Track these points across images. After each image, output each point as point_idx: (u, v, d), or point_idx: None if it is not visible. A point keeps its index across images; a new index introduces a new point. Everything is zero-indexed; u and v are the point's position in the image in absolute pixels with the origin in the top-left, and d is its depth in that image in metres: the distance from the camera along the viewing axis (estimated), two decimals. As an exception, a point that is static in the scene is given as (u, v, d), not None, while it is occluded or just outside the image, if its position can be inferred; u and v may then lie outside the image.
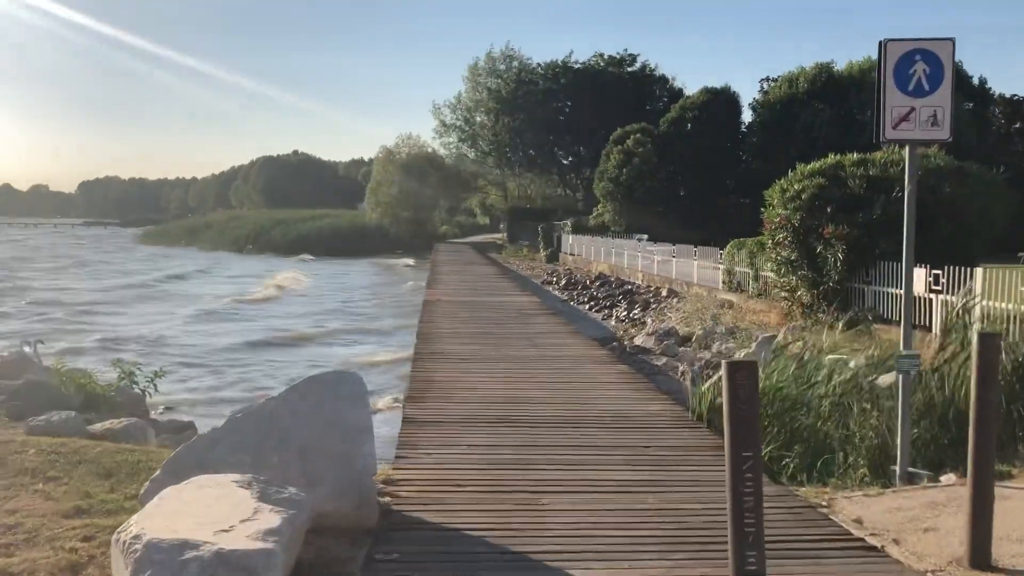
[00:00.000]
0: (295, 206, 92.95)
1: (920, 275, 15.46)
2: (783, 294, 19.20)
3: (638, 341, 18.76)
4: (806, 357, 10.22)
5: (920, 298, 15.29)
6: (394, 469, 6.72)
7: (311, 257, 64.84)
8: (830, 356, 9.73)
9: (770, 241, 19.27)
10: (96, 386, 10.65)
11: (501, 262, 48.87)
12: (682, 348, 17.28)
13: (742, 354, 14.83)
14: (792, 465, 7.25)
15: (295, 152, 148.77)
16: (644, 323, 23.10)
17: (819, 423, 8.00)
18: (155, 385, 12.00)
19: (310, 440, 5.36)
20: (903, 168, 7.11)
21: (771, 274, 20.14)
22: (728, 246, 25.00)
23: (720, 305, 22.57)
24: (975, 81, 46.92)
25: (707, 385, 9.27)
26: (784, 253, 18.41)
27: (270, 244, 72.69)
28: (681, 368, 14.96)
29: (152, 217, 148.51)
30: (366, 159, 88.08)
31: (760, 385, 8.19)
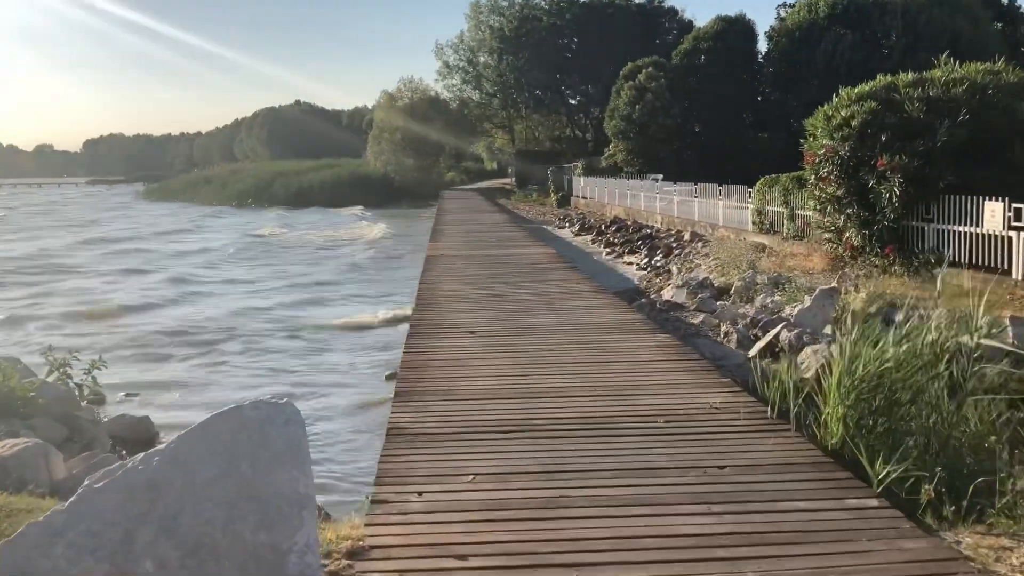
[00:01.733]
0: (299, 157, 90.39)
1: (997, 209, 13.31)
2: (827, 235, 17.06)
3: (668, 295, 16.63)
4: (899, 319, 8.12)
5: (996, 236, 13.16)
6: (367, 526, 4.65)
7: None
8: (935, 321, 7.59)
9: (812, 176, 17.11)
10: (10, 383, 8.62)
11: (510, 208, 46.61)
12: (719, 302, 15.13)
13: (795, 310, 12.68)
14: (927, 490, 5.12)
15: (297, 102, 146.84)
16: (669, 272, 20.97)
17: (947, 422, 5.90)
18: (93, 379, 10.01)
19: (211, 527, 3.30)
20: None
21: (813, 213, 17.96)
22: (758, 183, 22.71)
23: (752, 249, 20.39)
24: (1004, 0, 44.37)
25: (783, 366, 7.16)
26: (830, 189, 16.26)
27: (271, 197, 70.42)
28: (724, 328, 12.84)
29: (156, 174, 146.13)
30: (370, 107, 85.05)
31: (855, 369, 6.12)
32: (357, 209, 59.12)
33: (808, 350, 10.73)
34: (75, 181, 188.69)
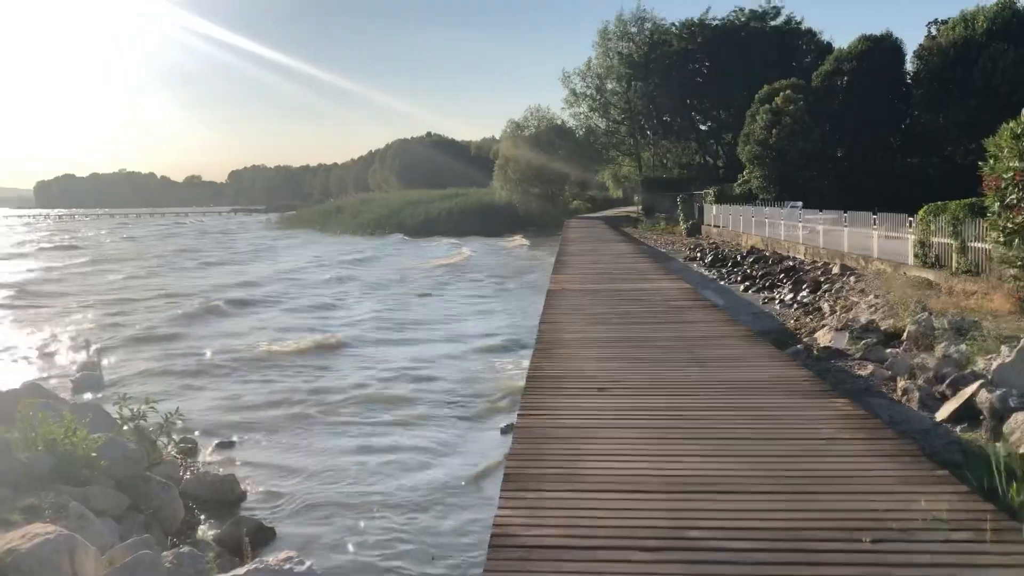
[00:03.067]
0: (428, 188, 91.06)
1: None
2: (1012, 272, 14.63)
3: (825, 340, 14.49)
4: None
5: None
6: None
7: (407, 237, 62.47)
8: None
9: (996, 204, 14.75)
10: (73, 440, 7.48)
11: (637, 237, 44.69)
12: (889, 350, 12.94)
13: (991, 363, 10.45)
14: None
15: (428, 134, 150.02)
16: (820, 310, 18.73)
17: None
18: (169, 435, 8.87)
19: None
20: None
21: (994, 246, 15.51)
22: (921, 211, 20.17)
23: (915, 285, 17.96)
24: None
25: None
26: (1019, 219, 13.91)
27: (400, 226, 70.66)
28: (901, 384, 10.71)
29: (293, 203, 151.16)
30: (497, 137, 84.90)
31: None
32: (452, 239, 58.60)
33: (1021, 416, 8.64)
34: (219, 210, 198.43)
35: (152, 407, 9.07)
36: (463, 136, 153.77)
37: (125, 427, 8.68)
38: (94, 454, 7.55)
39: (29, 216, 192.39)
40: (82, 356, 17.29)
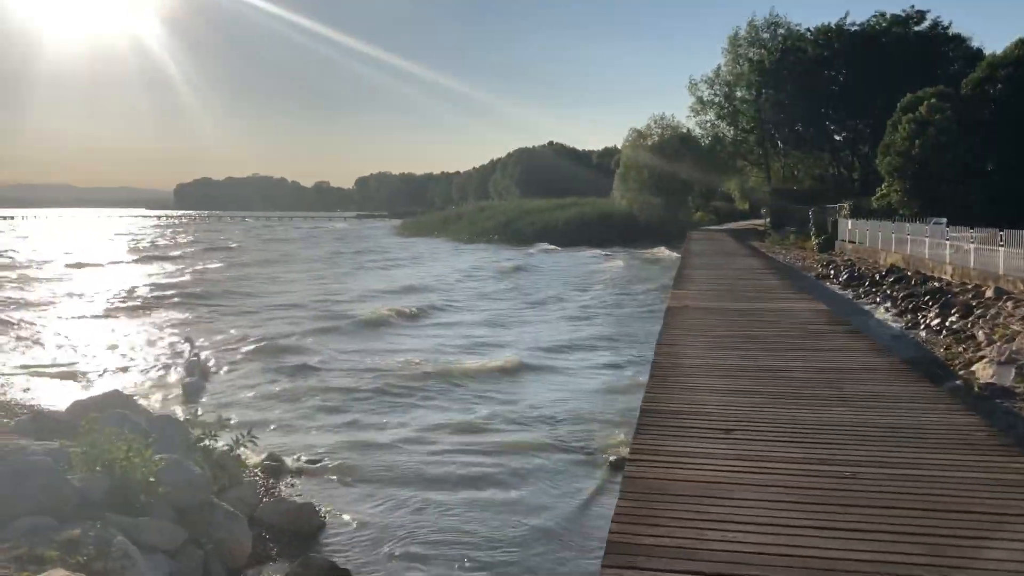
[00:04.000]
0: (549, 196, 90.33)
1: None
2: None
3: (985, 374, 12.70)
4: None
5: None
6: None
7: (551, 246, 60.98)
8: None
9: None
10: (132, 462, 6.73)
11: (765, 251, 42.46)
12: (1067, 390, 11.12)
13: None
14: None
15: (550, 143, 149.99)
16: (974, 338, 16.73)
17: None
18: (235, 457, 8.09)
19: None
20: None
21: None
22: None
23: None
24: None
25: None
26: None
27: (516, 234, 70.04)
28: (1091, 436, 8.99)
29: (416, 210, 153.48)
30: (620, 147, 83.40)
31: None
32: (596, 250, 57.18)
33: None
34: (345, 215, 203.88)
35: (225, 425, 8.33)
36: (585, 145, 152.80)
37: (201, 444, 7.94)
38: (152, 479, 6.80)
39: (168, 217, 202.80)
40: (194, 361, 16.93)
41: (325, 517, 8.65)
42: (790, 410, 8.23)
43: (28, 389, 14.70)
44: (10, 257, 56.84)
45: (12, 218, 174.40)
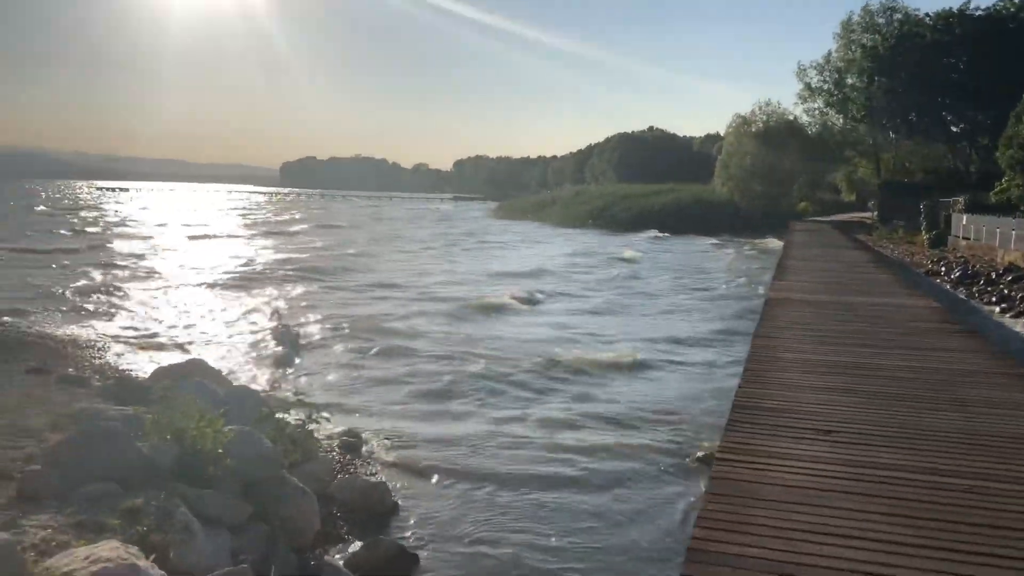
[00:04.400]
0: (647, 182, 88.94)
1: None
2: None
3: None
4: None
5: None
6: None
7: (660, 234, 59.32)
8: None
9: None
10: (203, 431, 6.58)
11: (871, 245, 40.70)
12: None
13: None
14: None
15: (650, 128, 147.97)
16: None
17: None
18: (307, 431, 7.88)
19: None
20: None
21: None
22: None
23: None
24: None
25: None
26: None
27: (612, 220, 69.18)
28: None
29: (511, 193, 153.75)
30: (722, 133, 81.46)
31: None
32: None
33: None
34: (440, 196, 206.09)
35: (301, 399, 8.17)
36: (686, 132, 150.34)
37: (275, 417, 7.79)
38: (221, 450, 6.66)
39: (277, 194, 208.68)
40: (286, 335, 16.98)
41: (398, 499, 8.41)
42: (896, 412, 7.56)
43: (122, 354, 15.00)
44: (131, 226, 59.13)
45: (127, 190, 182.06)
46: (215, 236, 52.37)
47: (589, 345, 17.42)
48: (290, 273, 30.37)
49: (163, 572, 4.62)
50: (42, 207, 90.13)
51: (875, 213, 58.45)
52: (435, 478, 9.13)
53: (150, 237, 49.46)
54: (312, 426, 9.46)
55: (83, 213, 78.96)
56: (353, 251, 42.96)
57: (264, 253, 40.29)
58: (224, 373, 13.21)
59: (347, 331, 18.18)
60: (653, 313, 23.07)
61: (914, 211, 47.68)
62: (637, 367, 15.25)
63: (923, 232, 43.78)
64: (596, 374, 14.69)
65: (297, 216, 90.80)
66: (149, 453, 6.41)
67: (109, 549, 4.40)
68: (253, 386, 12.50)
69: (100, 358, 14.38)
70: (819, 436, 6.70)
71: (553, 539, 7.51)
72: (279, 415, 8.35)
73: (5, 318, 17.83)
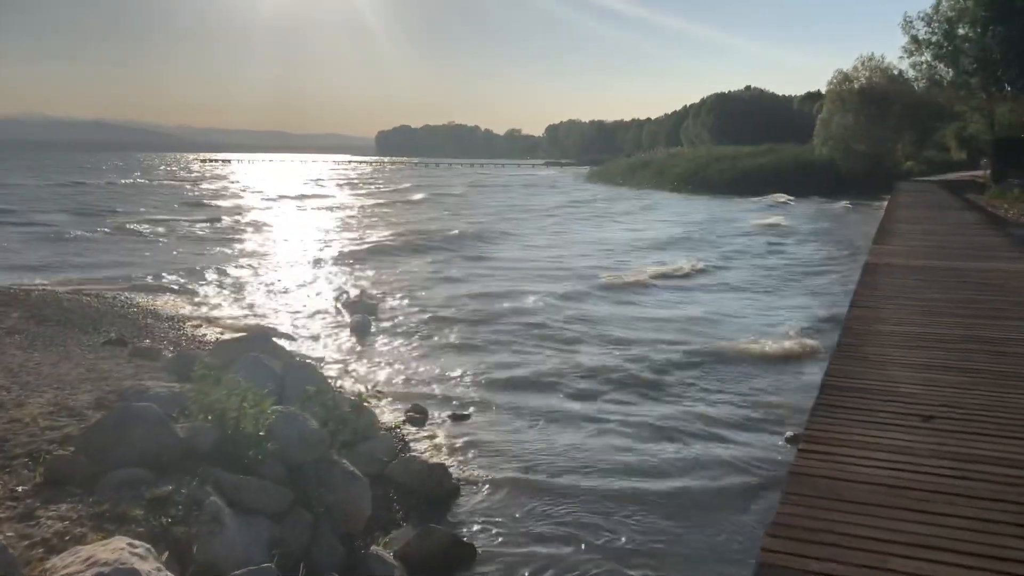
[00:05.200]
0: (743, 144, 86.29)
1: None
2: None
3: None
4: None
5: None
6: None
7: (788, 199, 55.63)
8: None
9: None
10: (246, 412, 6.22)
11: (984, 206, 38.28)
12: None
13: None
14: None
15: (747, 87, 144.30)
16: None
17: None
18: (355, 415, 7.44)
19: None
20: None
21: None
22: None
23: None
24: None
25: None
26: None
27: (705, 182, 67.32)
28: None
29: (604, 157, 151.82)
30: (823, 92, 78.19)
31: None
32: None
33: None
34: (532, 162, 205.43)
35: (352, 374, 7.76)
36: (785, 90, 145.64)
37: (325, 396, 7.39)
38: (262, 433, 6.29)
39: (378, 162, 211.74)
40: (370, 306, 16.68)
41: (459, 483, 7.94)
42: (1012, 396, 6.67)
43: (203, 326, 14.99)
44: (244, 197, 60.44)
45: (229, 161, 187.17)
46: (334, 207, 52.86)
47: (747, 328, 15.19)
48: (405, 241, 30.36)
49: (170, 574, 4.23)
50: (139, 177, 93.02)
51: (988, 172, 55.14)
52: (504, 465, 8.54)
53: (266, 208, 49.94)
54: (373, 402, 9.09)
55: (204, 185, 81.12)
56: (478, 220, 41.88)
57: (378, 223, 40.27)
58: (295, 348, 13.04)
59: (448, 305, 17.40)
60: (820, 291, 19.83)
61: (1032, 169, 44.75)
62: (803, 358, 12.63)
63: (1041, 191, 40.98)
64: (749, 366, 12.40)
65: (408, 185, 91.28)
66: (187, 436, 6.08)
67: (111, 550, 4.04)
68: (327, 363, 12.25)
69: (180, 330, 14.38)
70: (918, 423, 5.91)
71: (624, 543, 6.82)
72: (336, 393, 7.97)
73: (96, 289, 18.17)
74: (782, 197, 55.69)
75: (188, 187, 74.34)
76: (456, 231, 34.91)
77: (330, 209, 50.98)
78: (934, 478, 4.91)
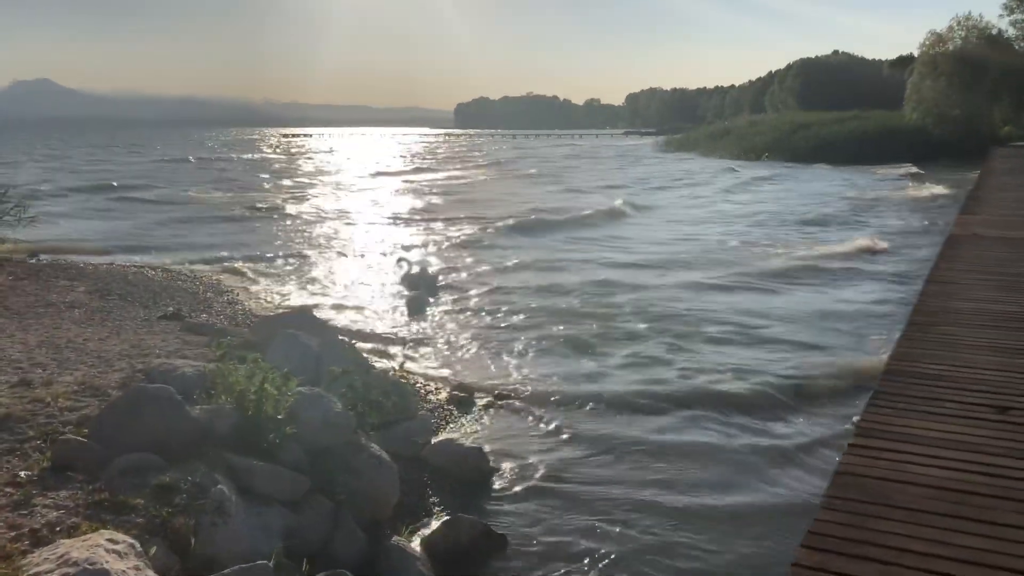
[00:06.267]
0: (831, 110, 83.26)
1: None
2: None
3: None
4: None
5: None
6: None
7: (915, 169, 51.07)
8: None
9: None
10: (267, 391, 5.95)
11: (1087, 172, 35.99)
12: None
13: None
14: None
15: (835, 52, 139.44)
16: None
17: None
18: (369, 399, 7.10)
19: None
20: None
21: None
22: None
23: None
24: None
25: None
26: None
27: (788, 150, 65.09)
28: None
29: (685, 126, 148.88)
30: (916, 55, 74.81)
31: None
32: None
33: None
34: (612, 132, 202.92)
35: (412, 355, 7.44)
36: (875, 54, 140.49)
37: (350, 377, 7.10)
38: (280, 416, 6.02)
39: (455, 135, 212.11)
40: (427, 280, 16.26)
41: (498, 468, 7.58)
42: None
43: (263, 300, 14.93)
44: (330, 173, 60.71)
45: (310, 136, 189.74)
46: (408, 180, 52.56)
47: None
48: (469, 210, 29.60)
49: (151, 573, 3.97)
50: (208, 152, 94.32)
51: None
52: (549, 456, 8.08)
53: (351, 184, 48.35)
54: (416, 382, 8.81)
55: (300, 163, 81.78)
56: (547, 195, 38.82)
57: (443, 195, 39.58)
58: (345, 325, 12.82)
59: (523, 282, 16.51)
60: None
61: None
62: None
63: None
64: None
65: (481, 155, 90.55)
66: (204, 419, 5.85)
67: (87, 547, 3.79)
68: (375, 341, 11.91)
69: (239, 305, 14.32)
70: (992, 415, 5.29)
71: (660, 540, 6.34)
72: (372, 372, 7.68)
73: (159, 261, 18.35)
74: (913, 168, 49.41)
75: (284, 164, 73.88)
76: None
77: (433, 188, 45.41)
78: (1005, 482, 4.32)
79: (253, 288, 16.16)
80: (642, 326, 12.68)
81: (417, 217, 29.53)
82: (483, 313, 13.97)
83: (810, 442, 7.73)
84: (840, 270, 17.20)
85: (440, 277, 16.81)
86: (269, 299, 15.10)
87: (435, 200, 36.86)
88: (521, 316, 13.66)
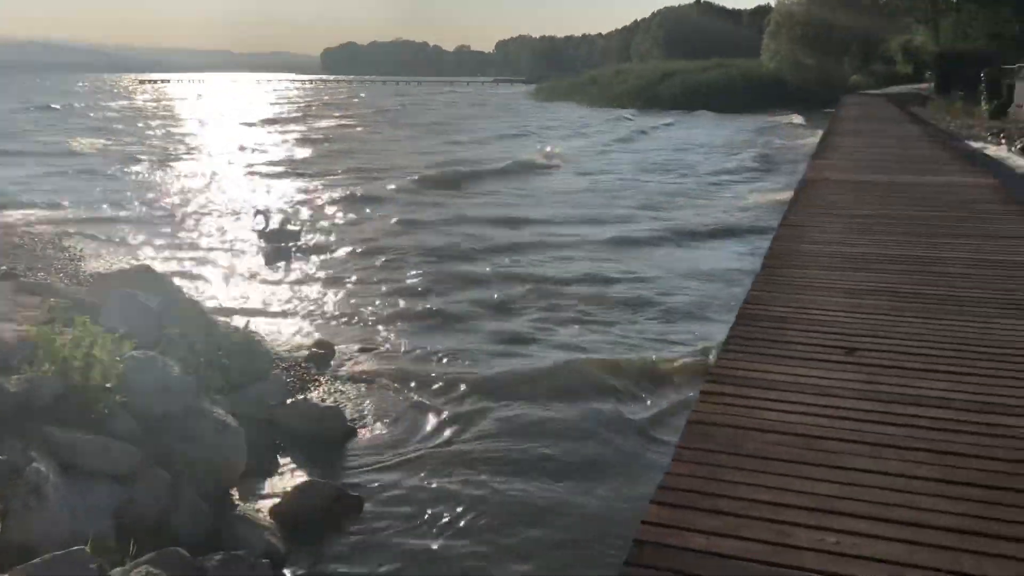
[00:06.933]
0: (693, 59, 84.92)
1: None
2: None
3: None
4: None
5: None
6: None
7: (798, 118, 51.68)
8: None
9: None
10: (96, 357, 5.46)
11: (926, 119, 38.01)
12: None
13: None
14: None
15: (697, 2, 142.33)
16: None
17: None
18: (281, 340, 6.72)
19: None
20: None
21: None
22: None
23: None
24: None
25: None
26: None
27: (654, 99, 66.21)
28: None
29: (553, 74, 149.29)
30: (773, 4, 77.07)
31: None
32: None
33: None
34: (482, 80, 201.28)
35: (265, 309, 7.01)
36: (736, 4, 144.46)
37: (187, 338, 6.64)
38: (109, 384, 5.54)
39: (322, 81, 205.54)
40: (288, 233, 15.55)
41: (355, 427, 7.30)
42: (946, 323, 6.12)
43: (104, 256, 14.02)
44: (166, 119, 57.66)
45: (168, 82, 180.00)
46: (253, 125, 50.88)
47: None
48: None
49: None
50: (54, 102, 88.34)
51: (932, 84, 54.95)
52: (411, 402, 7.89)
53: (230, 135, 45.27)
54: (269, 339, 8.39)
55: (113, 104, 77.56)
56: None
57: (301, 143, 38.50)
58: (193, 283, 12.17)
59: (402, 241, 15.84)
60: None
61: (975, 81, 44.47)
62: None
63: (982, 103, 40.81)
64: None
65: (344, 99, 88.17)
66: (20, 390, 5.31)
67: None
68: (227, 298, 11.39)
69: (80, 260, 13.40)
70: (839, 357, 5.36)
71: (513, 502, 6.16)
72: (218, 332, 7.22)
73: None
74: (797, 118, 50.00)
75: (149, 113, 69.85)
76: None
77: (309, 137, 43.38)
78: (853, 424, 4.34)
79: (102, 245, 15.16)
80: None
81: (307, 170, 27.84)
82: (352, 270, 13.47)
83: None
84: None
85: (308, 234, 16.14)
86: (119, 256, 14.18)
87: (328, 148, 35.86)
88: (400, 276, 13.06)
